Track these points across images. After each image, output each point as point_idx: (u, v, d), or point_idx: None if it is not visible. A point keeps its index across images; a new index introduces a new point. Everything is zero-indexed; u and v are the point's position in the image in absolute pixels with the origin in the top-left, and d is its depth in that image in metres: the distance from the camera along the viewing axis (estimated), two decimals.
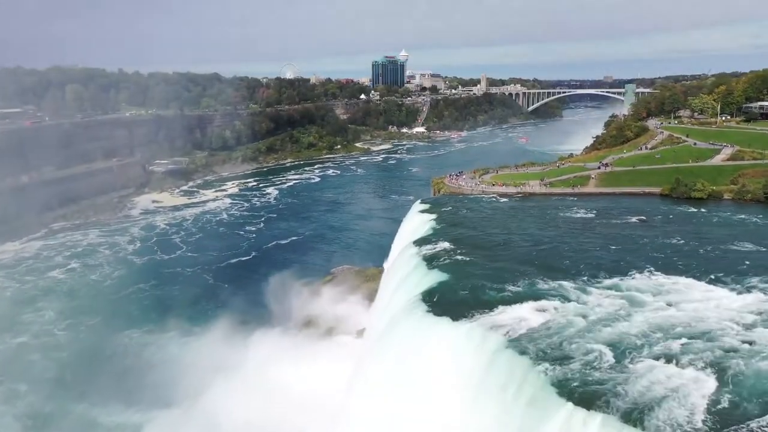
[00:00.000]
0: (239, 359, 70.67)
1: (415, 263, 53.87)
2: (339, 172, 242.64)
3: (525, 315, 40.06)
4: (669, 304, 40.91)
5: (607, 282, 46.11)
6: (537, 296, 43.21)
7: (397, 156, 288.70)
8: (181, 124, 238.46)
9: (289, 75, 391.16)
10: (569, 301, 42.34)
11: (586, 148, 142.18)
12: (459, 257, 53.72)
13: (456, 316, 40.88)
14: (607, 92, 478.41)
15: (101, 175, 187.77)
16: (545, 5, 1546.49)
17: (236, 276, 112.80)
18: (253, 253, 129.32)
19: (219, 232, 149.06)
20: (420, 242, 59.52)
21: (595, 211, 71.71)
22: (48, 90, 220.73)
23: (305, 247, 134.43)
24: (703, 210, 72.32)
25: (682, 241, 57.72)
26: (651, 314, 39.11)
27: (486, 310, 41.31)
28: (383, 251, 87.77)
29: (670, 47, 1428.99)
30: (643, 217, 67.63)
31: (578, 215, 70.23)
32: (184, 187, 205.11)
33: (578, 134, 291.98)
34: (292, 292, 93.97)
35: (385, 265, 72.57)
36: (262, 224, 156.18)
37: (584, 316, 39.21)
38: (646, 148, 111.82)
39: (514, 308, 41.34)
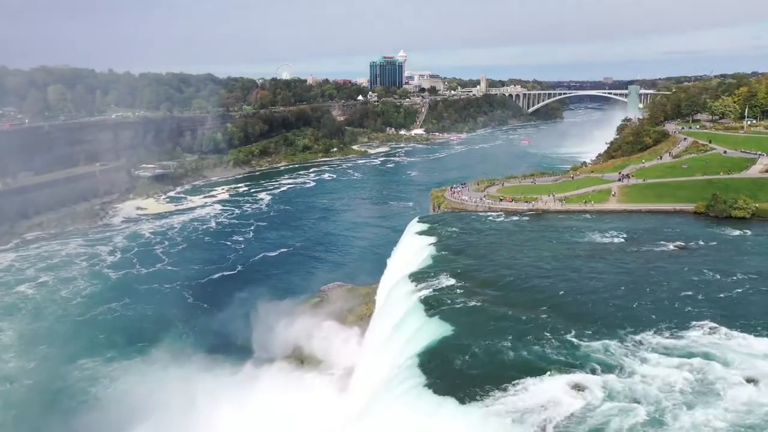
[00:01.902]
0: (194, 400, 60.44)
1: (411, 306, 43.58)
2: (335, 176, 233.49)
3: (557, 396, 29.68)
4: (749, 381, 30.56)
5: (658, 341, 35.66)
6: (570, 364, 32.85)
7: (396, 159, 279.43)
8: (171, 127, 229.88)
9: (285, 76, 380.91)
10: (613, 372, 31.94)
11: (600, 155, 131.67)
12: (465, 300, 43.23)
13: (464, 395, 30.60)
14: (609, 93, 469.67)
15: (83, 180, 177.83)
16: (545, 6, 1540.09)
17: (217, 294, 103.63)
18: (239, 267, 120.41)
19: (204, 243, 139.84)
20: (417, 276, 49.04)
21: (623, 235, 61.07)
22: (30, 91, 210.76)
23: (295, 259, 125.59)
24: (749, 232, 61.61)
25: (735, 278, 47.12)
26: (728, 400, 28.76)
27: (504, 387, 31.02)
28: (379, 264, 79.27)
29: (670, 48, 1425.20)
30: (682, 243, 57.14)
31: (604, 240, 59.60)
32: (171, 193, 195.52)
33: (580, 136, 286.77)
34: (275, 315, 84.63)
35: (377, 297, 62.28)
36: (251, 233, 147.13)
37: (637, 401, 28.86)
38: (670, 156, 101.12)
39: (541, 384, 30.99)
